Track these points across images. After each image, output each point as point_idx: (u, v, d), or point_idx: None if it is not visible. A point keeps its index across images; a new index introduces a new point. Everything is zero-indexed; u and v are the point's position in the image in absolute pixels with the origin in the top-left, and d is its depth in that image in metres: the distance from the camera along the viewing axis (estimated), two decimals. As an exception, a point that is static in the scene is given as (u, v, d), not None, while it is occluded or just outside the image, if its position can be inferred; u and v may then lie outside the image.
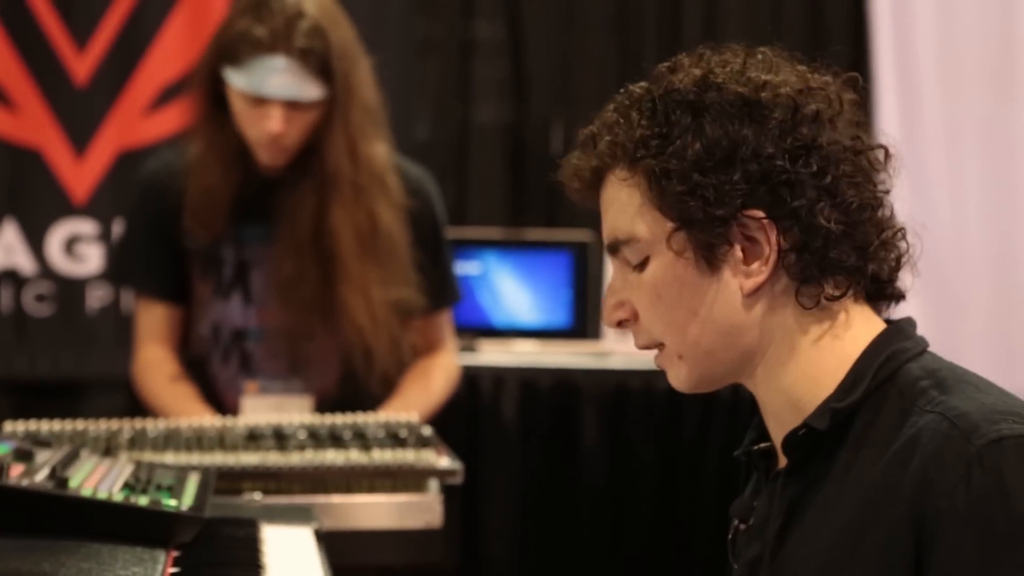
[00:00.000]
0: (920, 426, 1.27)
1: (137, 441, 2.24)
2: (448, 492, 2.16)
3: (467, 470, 2.21)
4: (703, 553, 3.75)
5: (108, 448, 2.19)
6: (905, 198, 4.01)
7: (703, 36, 4.46)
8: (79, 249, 4.23)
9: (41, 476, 1.70)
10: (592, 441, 3.83)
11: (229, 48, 2.53)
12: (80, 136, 4.30)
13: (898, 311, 1.42)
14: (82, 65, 4.31)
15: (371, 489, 2.17)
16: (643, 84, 1.40)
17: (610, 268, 4.15)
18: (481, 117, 4.59)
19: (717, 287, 1.35)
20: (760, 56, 1.39)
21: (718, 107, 1.33)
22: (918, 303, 3.94)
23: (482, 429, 3.84)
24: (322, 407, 2.59)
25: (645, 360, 4.08)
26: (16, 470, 1.71)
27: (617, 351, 3.97)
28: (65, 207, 4.29)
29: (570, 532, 3.85)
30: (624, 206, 1.38)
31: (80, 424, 2.32)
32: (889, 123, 4.06)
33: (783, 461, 1.38)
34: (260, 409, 2.55)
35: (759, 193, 1.32)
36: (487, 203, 4.53)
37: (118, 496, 1.69)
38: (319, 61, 2.51)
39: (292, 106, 2.52)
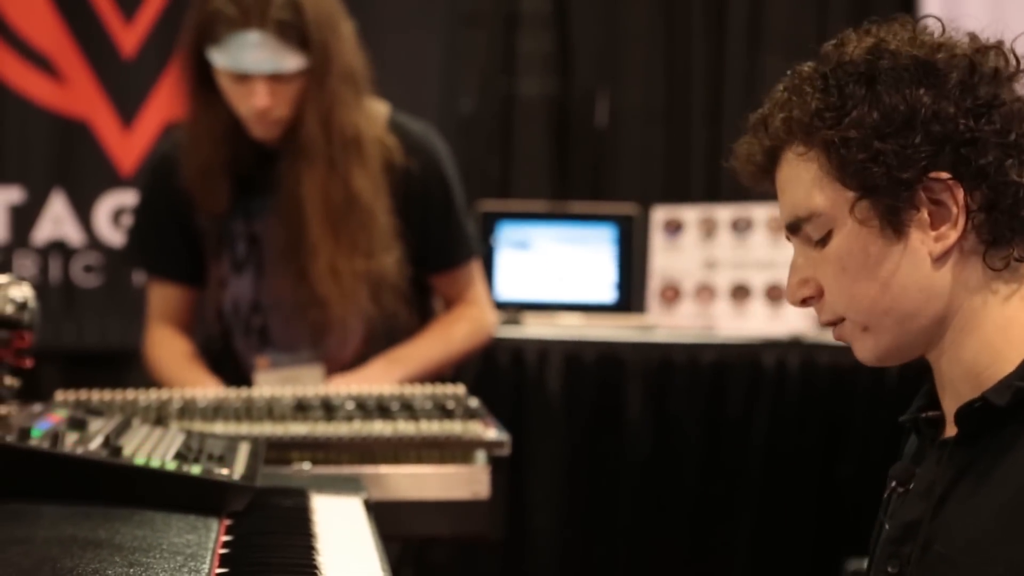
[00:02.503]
0: None
1: (187, 411, 2.26)
2: (495, 464, 2.17)
3: (512, 442, 2.22)
4: (746, 528, 3.74)
5: (159, 418, 2.21)
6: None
7: (750, 7, 4.44)
8: (126, 220, 4.25)
9: (95, 444, 1.72)
10: (636, 415, 3.83)
11: (207, 27, 2.55)
12: (127, 108, 4.33)
13: None
14: (129, 37, 4.33)
15: (418, 460, 2.18)
16: (810, 63, 1.40)
17: (656, 243, 4.15)
18: (526, 90, 4.59)
19: (904, 253, 1.34)
20: (928, 24, 1.38)
21: (893, 73, 1.33)
22: None
23: (527, 402, 3.85)
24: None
25: (689, 334, 4.10)
26: (70, 439, 1.73)
27: (662, 325, 3.96)
28: (112, 178, 4.32)
29: (613, 505, 3.85)
30: (803, 182, 1.37)
31: (130, 394, 2.34)
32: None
33: (951, 430, 1.37)
34: (272, 383, 2.56)
35: (943, 154, 1.31)
36: (532, 176, 4.53)
37: (171, 465, 1.71)
38: (295, 32, 2.51)
39: (274, 79, 2.53)
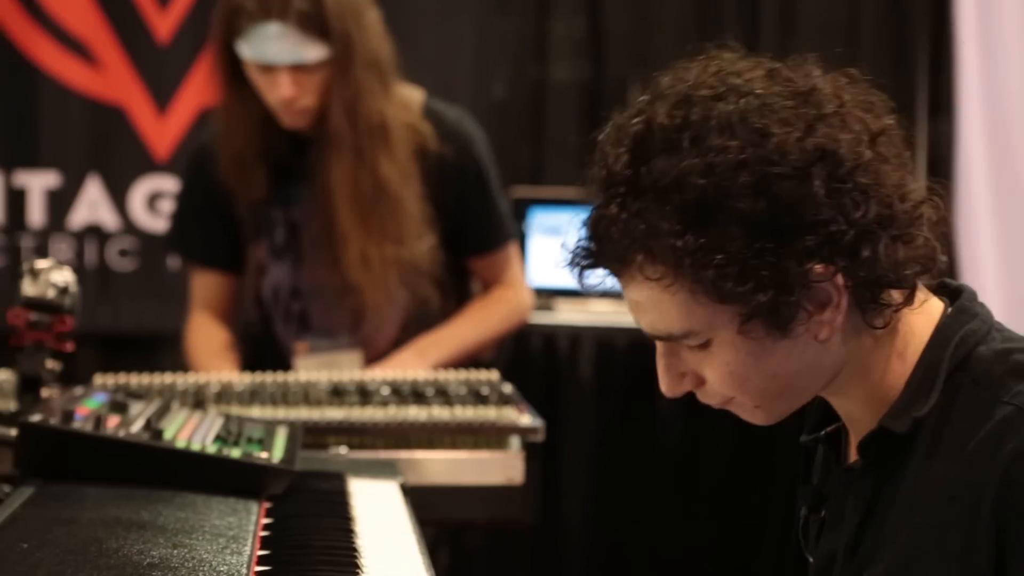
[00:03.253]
0: (999, 419, 1.26)
1: (224, 395, 2.29)
2: (529, 449, 2.19)
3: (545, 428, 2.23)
4: (777, 516, 3.75)
5: (196, 401, 2.24)
6: (991, 161, 3.99)
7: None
8: (161, 205, 4.29)
9: (136, 427, 1.75)
10: (667, 402, 3.83)
11: (232, 19, 2.60)
12: (162, 93, 4.36)
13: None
14: (164, 23, 4.36)
15: (453, 445, 2.20)
16: (624, 160, 1.29)
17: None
18: (558, 76, 4.59)
19: (791, 346, 1.29)
20: (739, 90, 1.28)
21: (736, 186, 1.23)
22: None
23: (559, 388, 3.86)
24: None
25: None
26: (112, 421, 1.75)
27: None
28: (147, 163, 4.35)
29: (644, 492, 3.87)
30: (669, 306, 1.28)
31: (168, 378, 2.37)
32: (970, 84, 4.02)
33: (854, 451, 1.37)
34: (311, 368, 2.59)
35: (813, 244, 1.24)
36: (564, 162, 4.53)
37: (211, 448, 1.73)
38: (316, 22, 2.54)
39: (297, 69, 2.57)
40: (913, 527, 1.29)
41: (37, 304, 2.06)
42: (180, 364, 2.78)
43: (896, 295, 1.30)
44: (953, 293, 1.38)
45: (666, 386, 1.36)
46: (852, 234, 1.25)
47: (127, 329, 4.25)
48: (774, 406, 1.36)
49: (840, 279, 1.27)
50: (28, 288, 2.06)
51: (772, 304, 1.25)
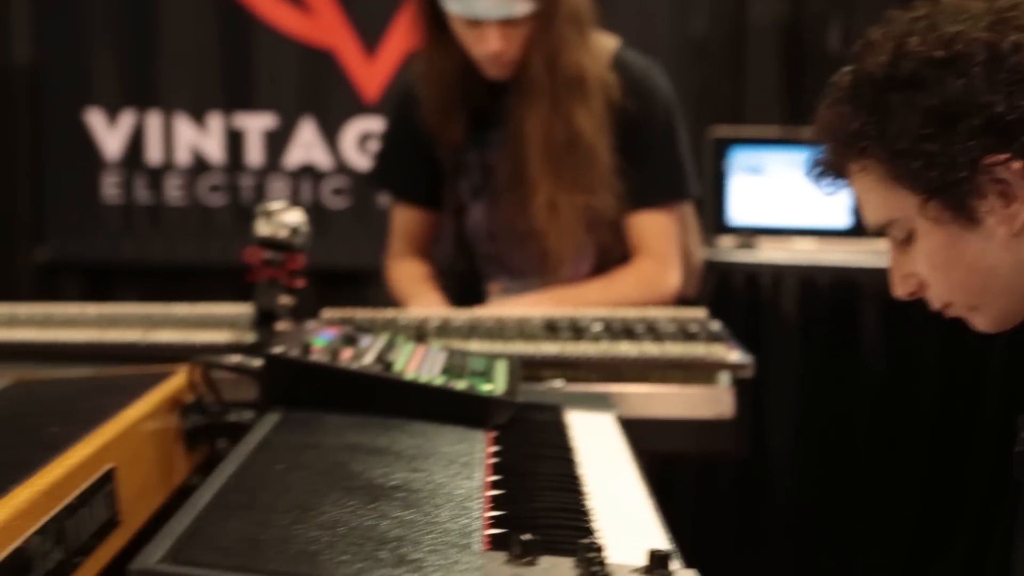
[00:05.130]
0: None
1: (444, 329, 2.39)
2: (739, 384, 2.23)
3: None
4: (985, 456, 3.72)
5: (418, 335, 2.35)
6: None
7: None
8: (371, 145, 4.43)
9: (368, 360, 1.85)
10: (872, 340, 3.83)
11: None
12: (370, 37, 4.49)
13: None
14: (373, -33, 4.48)
15: (663, 380, 2.25)
16: (846, 71, 1.45)
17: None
18: (758, 15, 4.57)
19: (983, 237, 1.39)
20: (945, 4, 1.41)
21: (920, 75, 1.37)
22: None
23: (762, 325, 3.89)
24: None
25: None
26: (346, 354, 1.86)
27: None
28: (357, 105, 4.49)
29: (849, 428, 3.88)
30: (872, 194, 1.45)
31: (390, 312, 2.49)
32: None
33: None
34: None
35: (991, 138, 1.34)
36: (763, 101, 4.53)
37: (439, 380, 1.83)
38: None
39: (505, 24, 2.62)
40: None
41: (271, 243, 2.20)
42: (387, 298, 2.90)
43: None
44: None
45: (894, 287, 1.51)
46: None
47: (341, 265, 4.41)
48: (987, 307, 1.44)
49: (1018, 165, 1.35)
50: (262, 228, 2.20)
51: (953, 189, 1.37)
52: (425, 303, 2.75)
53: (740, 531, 3.98)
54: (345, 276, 4.40)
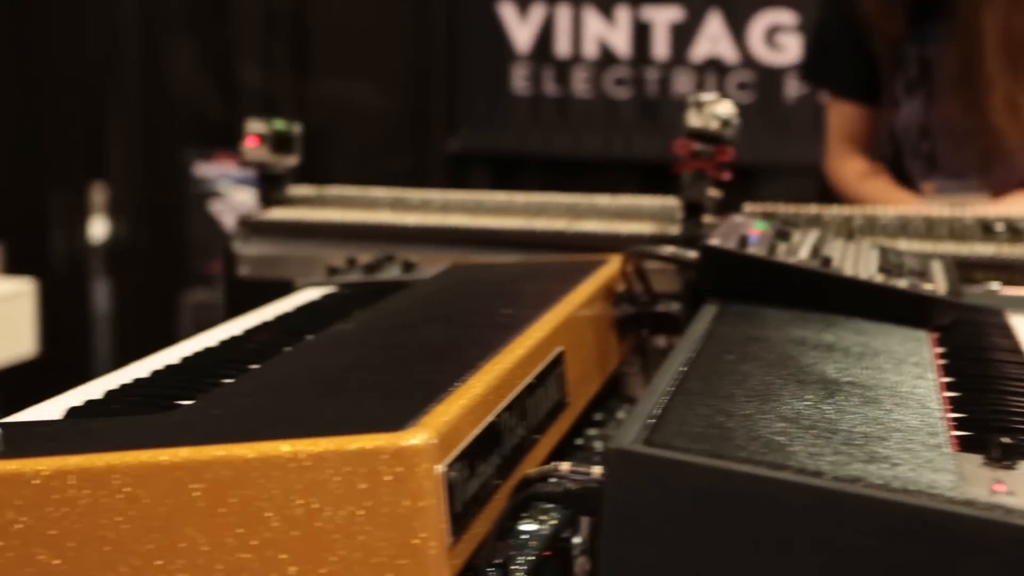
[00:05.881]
0: None
1: (870, 227, 2.33)
2: None
3: None
4: None
5: (845, 232, 2.30)
6: None
7: None
8: (779, 39, 4.35)
9: (804, 254, 1.82)
10: None
11: None
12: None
13: None
14: None
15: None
16: None
17: None
18: None
19: None
20: None
21: None
22: None
23: None
24: None
25: None
26: (780, 248, 1.84)
27: None
28: (767, -2, 4.42)
29: None
30: None
31: (812, 208, 2.44)
32: None
33: None
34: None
35: None
36: None
37: (878, 278, 1.79)
38: None
39: None
40: None
41: (701, 135, 2.19)
42: (792, 195, 2.85)
43: None
44: None
45: None
46: None
47: (745, 161, 4.37)
48: None
49: None
50: (693, 119, 2.19)
51: None
52: (895, 200, 2.71)
53: None
54: (750, 171, 4.36)
